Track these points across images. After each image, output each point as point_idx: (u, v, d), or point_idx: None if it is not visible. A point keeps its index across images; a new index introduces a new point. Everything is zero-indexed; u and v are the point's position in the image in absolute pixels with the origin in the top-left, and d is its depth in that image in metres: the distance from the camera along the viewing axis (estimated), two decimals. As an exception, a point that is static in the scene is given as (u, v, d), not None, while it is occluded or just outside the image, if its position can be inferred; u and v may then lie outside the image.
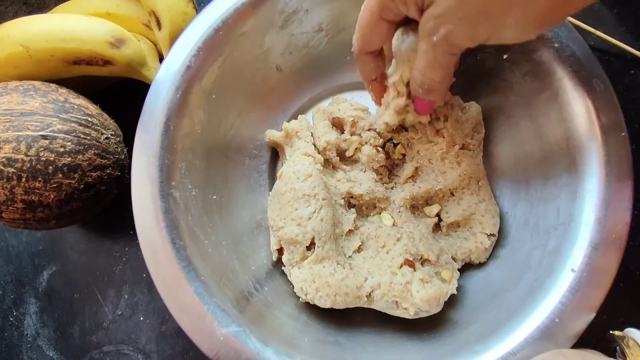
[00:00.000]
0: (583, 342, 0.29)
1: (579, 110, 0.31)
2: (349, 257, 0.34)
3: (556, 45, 0.32)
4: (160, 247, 0.30)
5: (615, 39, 0.43)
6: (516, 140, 0.36)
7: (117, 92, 0.44)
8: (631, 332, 0.29)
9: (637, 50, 0.43)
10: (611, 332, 0.31)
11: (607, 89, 0.30)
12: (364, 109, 0.38)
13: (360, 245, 0.34)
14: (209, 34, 0.34)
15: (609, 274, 0.28)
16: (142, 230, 0.30)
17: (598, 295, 0.28)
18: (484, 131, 0.37)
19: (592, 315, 0.27)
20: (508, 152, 0.37)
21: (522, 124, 0.36)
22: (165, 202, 0.31)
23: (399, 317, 0.33)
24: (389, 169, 0.38)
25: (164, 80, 0.33)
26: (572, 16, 0.42)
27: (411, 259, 0.33)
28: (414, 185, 0.36)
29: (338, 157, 0.38)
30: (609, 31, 0.44)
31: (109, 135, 0.37)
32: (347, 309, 0.33)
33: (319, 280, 0.32)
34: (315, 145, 0.38)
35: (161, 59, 0.43)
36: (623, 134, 0.29)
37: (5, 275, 0.43)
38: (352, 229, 0.35)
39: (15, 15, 0.52)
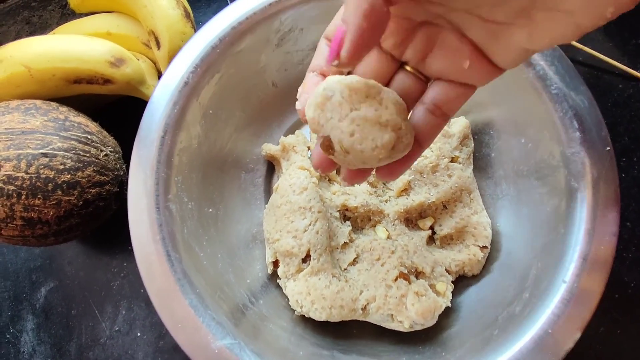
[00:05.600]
0: (581, 355, 0.29)
1: (565, 127, 0.32)
2: (344, 269, 0.35)
3: (541, 62, 0.33)
4: (155, 259, 0.30)
5: (603, 55, 0.44)
6: (507, 155, 0.37)
7: (117, 109, 0.45)
8: None
9: (624, 65, 0.44)
10: None
11: (592, 104, 0.31)
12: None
13: (355, 258, 0.35)
14: (206, 51, 0.35)
15: (599, 285, 0.28)
16: (137, 243, 0.31)
17: (589, 306, 0.28)
18: (472, 145, 0.38)
19: (584, 326, 0.28)
20: (499, 166, 0.38)
21: (513, 140, 0.36)
22: (161, 215, 0.31)
23: (394, 330, 0.33)
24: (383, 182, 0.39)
25: (162, 96, 0.34)
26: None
27: (406, 271, 0.33)
28: (407, 198, 0.36)
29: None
30: (597, 47, 0.45)
31: (108, 152, 0.38)
32: (343, 321, 0.33)
33: (314, 293, 0.32)
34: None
35: (160, 77, 0.44)
36: (608, 148, 0.30)
37: (2, 292, 0.43)
38: (347, 241, 0.35)
39: (18, 34, 0.53)
